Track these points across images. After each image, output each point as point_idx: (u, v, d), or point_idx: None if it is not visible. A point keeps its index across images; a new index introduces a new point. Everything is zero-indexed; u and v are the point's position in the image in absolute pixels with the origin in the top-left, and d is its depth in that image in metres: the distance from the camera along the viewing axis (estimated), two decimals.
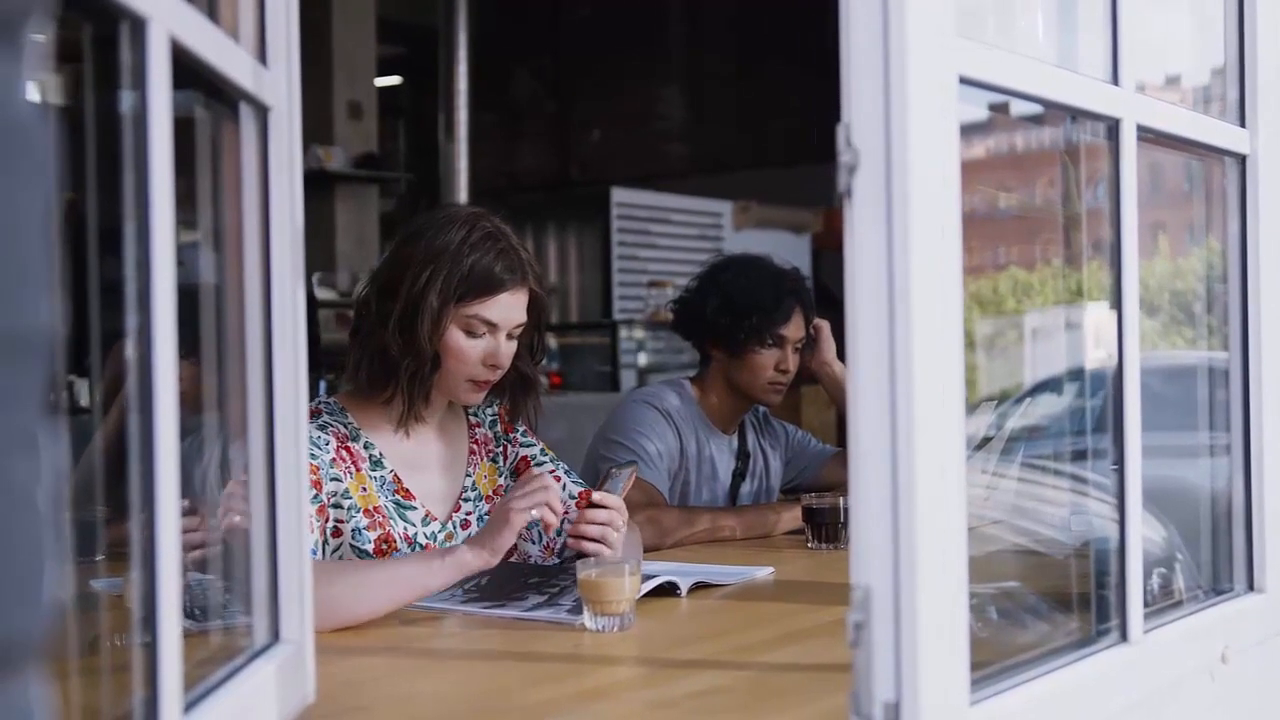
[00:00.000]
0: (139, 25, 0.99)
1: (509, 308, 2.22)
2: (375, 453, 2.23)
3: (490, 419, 2.43)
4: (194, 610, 1.35)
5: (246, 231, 1.35)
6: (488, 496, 2.35)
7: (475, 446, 2.38)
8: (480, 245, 2.20)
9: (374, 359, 2.21)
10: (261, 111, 1.35)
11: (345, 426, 2.21)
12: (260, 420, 1.36)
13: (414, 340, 2.17)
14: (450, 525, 2.28)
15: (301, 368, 1.40)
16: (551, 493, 2.00)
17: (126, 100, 1.02)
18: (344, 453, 2.18)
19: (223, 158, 1.35)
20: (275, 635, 1.37)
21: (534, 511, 1.97)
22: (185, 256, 1.09)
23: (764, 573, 2.35)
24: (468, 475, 2.35)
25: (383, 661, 1.79)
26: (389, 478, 2.23)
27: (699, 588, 2.18)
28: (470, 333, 2.20)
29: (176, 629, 1.02)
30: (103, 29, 1.01)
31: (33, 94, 0.57)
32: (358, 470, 2.19)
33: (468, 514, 2.32)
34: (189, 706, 1.09)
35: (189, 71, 1.12)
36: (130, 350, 1.01)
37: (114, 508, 1.25)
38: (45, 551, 0.58)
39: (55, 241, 0.59)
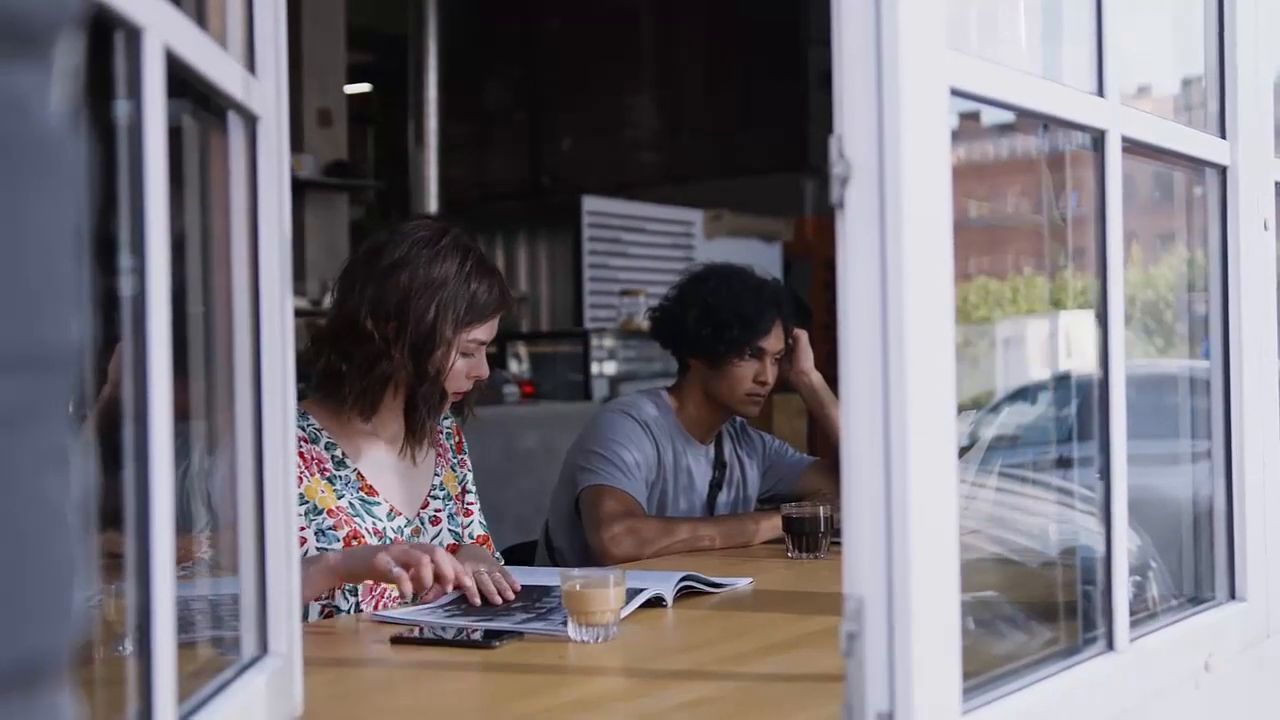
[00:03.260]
0: (134, 35, 0.99)
1: (496, 326, 2.36)
2: (338, 453, 2.29)
3: (446, 432, 2.52)
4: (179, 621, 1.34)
5: (234, 241, 1.34)
6: (455, 496, 2.46)
7: (441, 450, 2.48)
8: (477, 273, 2.30)
9: (380, 384, 2.27)
10: (250, 121, 1.34)
11: (304, 429, 2.24)
12: (248, 433, 1.35)
13: (425, 370, 2.26)
14: (418, 521, 2.37)
15: (290, 379, 1.39)
16: (424, 569, 1.98)
17: (120, 109, 1.01)
18: (298, 458, 2.21)
19: (210, 167, 1.34)
20: (264, 648, 1.36)
21: (395, 570, 1.96)
22: (171, 266, 1.09)
23: (744, 583, 2.35)
24: (435, 475, 2.44)
25: (370, 674, 1.78)
26: (353, 476, 2.29)
27: (685, 595, 2.19)
28: (465, 354, 2.31)
29: (171, 642, 1.02)
30: (95, 38, 1.00)
31: (61, 106, 0.57)
32: (313, 474, 2.24)
33: (437, 510, 2.41)
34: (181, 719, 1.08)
35: (179, 80, 1.11)
36: (125, 360, 1.01)
37: (95, 519, 1.24)
38: (75, 566, 0.58)
39: (84, 255, 0.58)
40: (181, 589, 1.42)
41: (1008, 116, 1.57)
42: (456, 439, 2.53)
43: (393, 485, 2.35)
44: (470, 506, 2.52)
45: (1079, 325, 1.74)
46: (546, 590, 2.17)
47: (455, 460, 2.50)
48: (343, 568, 2.03)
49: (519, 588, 2.13)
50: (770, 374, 3.03)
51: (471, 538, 2.42)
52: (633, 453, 2.92)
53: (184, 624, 1.40)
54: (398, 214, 9.12)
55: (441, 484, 2.44)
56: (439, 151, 8.70)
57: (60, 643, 0.56)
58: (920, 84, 1.18)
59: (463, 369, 2.31)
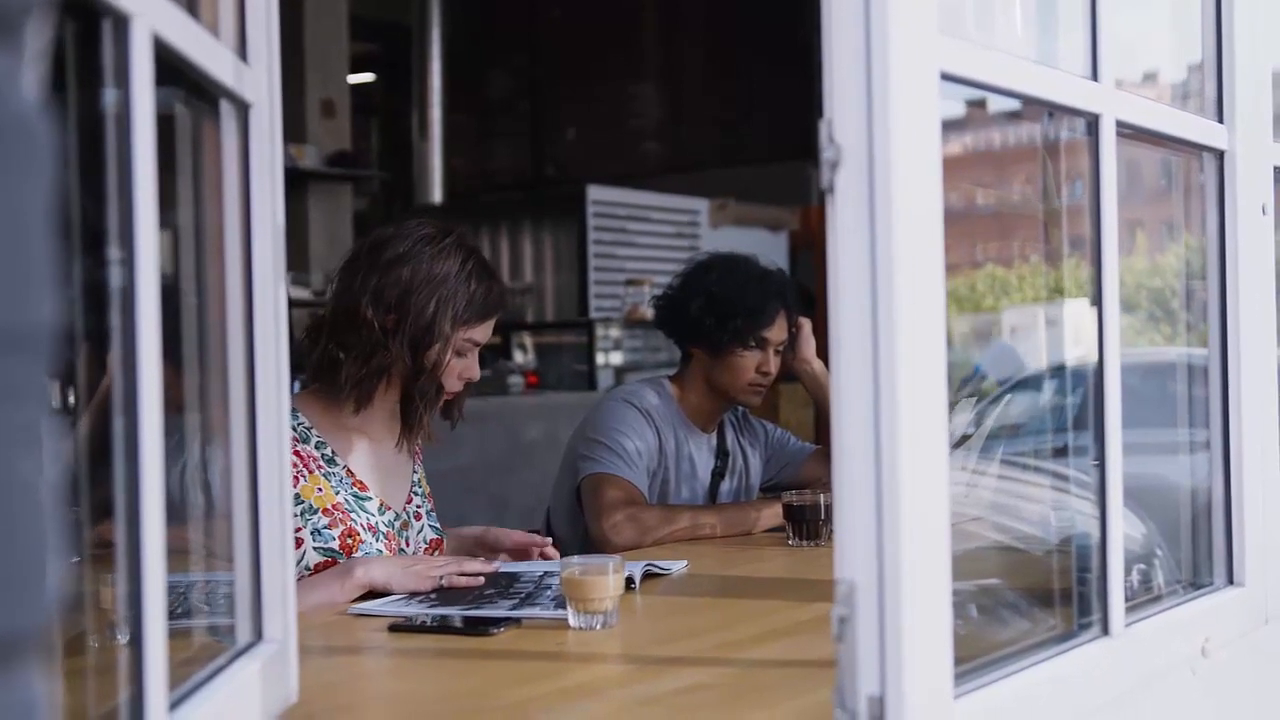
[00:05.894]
0: (122, 22, 0.99)
1: (491, 329, 2.38)
2: (328, 451, 2.32)
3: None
4: (173, 609, 1.34)
5: (227, 230, 1.35)
6: (428, 494, 2.51)
7: (418, 449, 2.51)
8: (477, 274, 2.33)
9: (375, 376, 2.29)
10: (242, 109, 1.34)
11: (294, 429, 2.25)
12: (242, 421, 1.36)
13: (422, 364, 2.28)
14: (405, 515, 2.41)
15: (283, 367, 1.39)
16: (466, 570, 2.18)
17: (108, 97, 1.01)
18: (294, 457, 2.23)
19: (202, 156, 1.34)
20: (258, 634, 1.37)
21: (443, 581, 2.14)
22: (162, 256, 1.09)
23: (680, 565, 2.39)
24: (415, 472, 2.48)
25: (365, 661, 1.79)
26: (343, 473, 2.32)
27: (648, 577, 2.23)
28: (459, 353, 2.33)
29: (162, 629, 1.02)
30: (84, 25, 1.00)
31: (32, 90, 0.57)
32: (310, 472, 2.27)
33: (418, 507, 2.46)
34: (173, 705, 1.09)
35: (169, 68, 1.11)
36: (114, 351, 1.01)
37: (92, 509, 1.24)
38: (48, 547, 0.58)
39: (55, 237, 0.59)
40: (183, 576, 1.43)
41: (1015, 103, 1.57)
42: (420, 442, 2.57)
43: (379, 481, 2.38)
44: (419, 512, 2.56)
45: (1084, 313, 1.74)
46: (515, 577, 2.21)
47: (424, 460, 2.56)
48: (381, 582, 2.12)
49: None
50: (773, 364, 3.03)
51: (425, 542, 2.44)
52: (634, 441, 2.92)
53: (184, 611, 1.40)
54: (401, 205, 9.13)
55: (419, 481, 2.49)
56: (443, 142, 8.70)
57: (32, 622, 0.57)
58: (910, 68, 1.18)
59: (456, 368, 2.34)
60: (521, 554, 2.44)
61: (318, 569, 2.21)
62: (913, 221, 1.18)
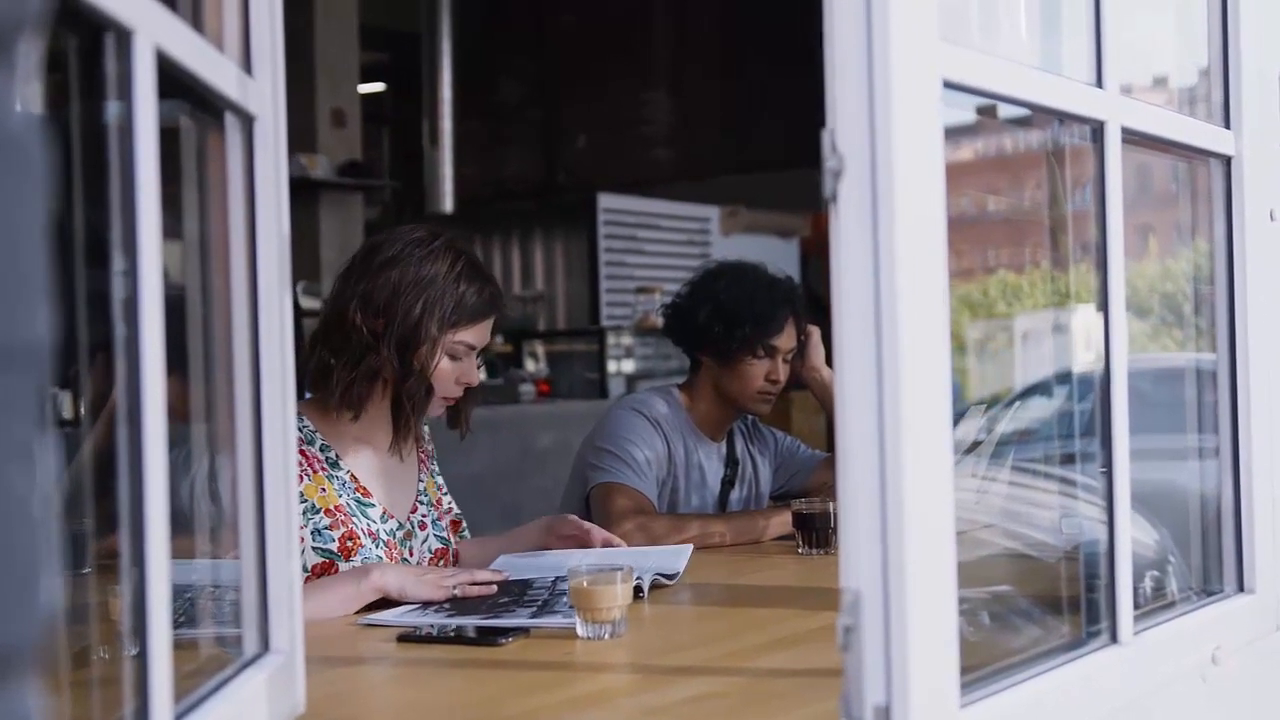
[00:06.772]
0: (124, 36, 0.99)
1: (487, 332, 2.37)
2: (332, 455, 2.32)
3: (425, 437, 2.57)
4: (179, 619, 1.35)
5: (233, 242, 1.35)
6: (435, 503, 2.50)
7: (423, 457, 2.51)
8: (467, 275, 2.32)
9: (366, 380, 2.29)
10: (247, 121, 1.34)
11: (300, 431, 2.26)
12: (248, 431, 1.36)
13: (410, 366, 2.28)
14: (409, 524, 2.41)
15: (289, 379, 1.39)
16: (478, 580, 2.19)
17: (111, 110, 1.02)
18: (299, 457, 2.24)
19: (208, 167, 1.35)
20: (265, 645, 1.37)
21: (456, 591, 2.13)
22: (168, 267, 1.09)
23: (686, 552, 2.42)
24: (420, 481, 2.48)
25: (373, 672, 1.79)
26: (347, 478, 2.32)
27: (656, 587, 2.23)
28: (453, 357, 2.33)
29: (166, 641, 1.02)
30: (87, 39, 1.01)
31: (27, 105, 0.57)
32: (315, 473, 2.28)
33: (423, 516, 2.45)
34: (179, 716, 1.09)
35: (173, 81, 1.11)
36: (117, 362, 1.01)
37: (101, 521, 1.25)
38: (42, 561, 0.58)
39: (50, 253, 0.59)
40: (188, 578, 1.43)
41: (1026, 109, 1.56)
42: (430, 447, 2.57)
43: (383, 488, 2.38)
44: (449, 500, 2.57)
45: (1094, 319, 1.74)
46: (528, 584, 2.21)
47: (433, 467, 2.55)
48: (395, 589, 2.11)
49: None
50: (782, 372, 3.03)
51: (430, 552, 2.45)
52: (643, 450, 2.92)
53: (188, 619, 1.41)
54: (413, 213, 9.13)
55: (424, 490, 2.48)
56: (453, 150, 8.70)
57: (24, 636, 0.57)
58: (912, 76, 1.18)
59: (450, 372, 2.33)
60: (583, 542, 2.47)
61: (316, 571, 2.21)
62: (915, 229, 1.18)
